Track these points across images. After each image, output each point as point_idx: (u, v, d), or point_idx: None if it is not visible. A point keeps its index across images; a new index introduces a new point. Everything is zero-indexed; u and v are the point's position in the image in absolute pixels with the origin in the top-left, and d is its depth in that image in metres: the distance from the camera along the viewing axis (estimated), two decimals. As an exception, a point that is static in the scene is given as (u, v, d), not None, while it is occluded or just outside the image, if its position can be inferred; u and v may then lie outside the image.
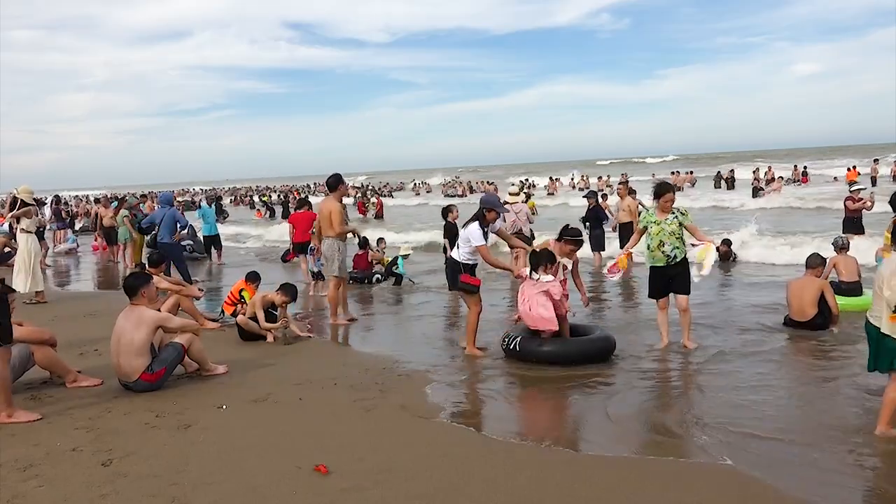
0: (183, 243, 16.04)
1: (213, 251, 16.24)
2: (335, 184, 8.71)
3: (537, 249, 6.84)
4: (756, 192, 29.61)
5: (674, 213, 6.86)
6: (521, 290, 6.67)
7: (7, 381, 5.10)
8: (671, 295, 7.00)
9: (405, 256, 12.22)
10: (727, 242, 13.10)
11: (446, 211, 11.95)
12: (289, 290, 7.97)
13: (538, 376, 6.18)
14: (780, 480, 3.92)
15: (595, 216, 13.75)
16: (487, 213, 6.81)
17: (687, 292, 6.90)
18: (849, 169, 35.38)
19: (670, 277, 6.90)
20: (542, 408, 5.69)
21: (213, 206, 19.26)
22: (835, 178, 37.27)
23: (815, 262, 7.76)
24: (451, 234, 11.75)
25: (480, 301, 7.00)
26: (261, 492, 3.84)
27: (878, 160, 36.35)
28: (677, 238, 6.78)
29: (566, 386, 5.92)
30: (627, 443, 4.64)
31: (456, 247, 7.06)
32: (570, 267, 6.86)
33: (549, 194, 39.78)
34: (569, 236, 6.82)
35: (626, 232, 12.52)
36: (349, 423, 4.97)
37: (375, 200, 32.63)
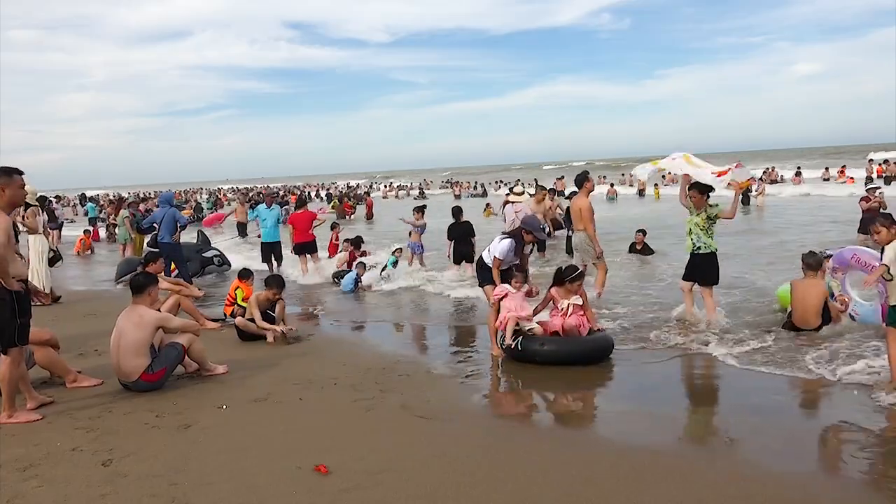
0: (206, 255, 14.00)
1: (274, 262, 13.47)
2: (582, 181, 9.12)
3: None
4: (747, 198, 25.84)
5: (705, 209, 7.56)
6: (503, 305, 6.70)
7: (23, 378, 5.15)
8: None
9: (397, 257, 12.25)
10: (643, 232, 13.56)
11: (458, 212, 11.94)
12: (274, 282, 8.05)
13: (538, 376, 6.18)
14: (780, 479, 3.92)
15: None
16: (525, 234, 7.09)
17: (708, 284, 7.62)
18: (843, 166, 35.59)
19: (695, 266, 7.64)
20: (542, 407, 5.69)
21: (272, 207, 14.34)
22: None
23: (812, 261, 7.57)
24: (458, 235, 11.76)
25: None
26: (261, 492, 3.84)
27: (872, 160, 36.48)
28: (702, 230, 7.53)
29: (566, 386, 5.92)
30: (628, 442, 4.64)
31: (487, 250, 7.25)
32: (580, 302, 6.87)
33: (558, 193, 39.81)
34: (570, 276, 6.80)
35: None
36: (349, 423, 4.97)
37: (367, 200, 32.61)
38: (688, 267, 7.79)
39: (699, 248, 7.58)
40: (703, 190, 7.60)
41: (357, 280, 11.25)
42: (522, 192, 13.63)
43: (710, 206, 7.59)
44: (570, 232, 13.60)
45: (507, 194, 13.43)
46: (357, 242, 12.50)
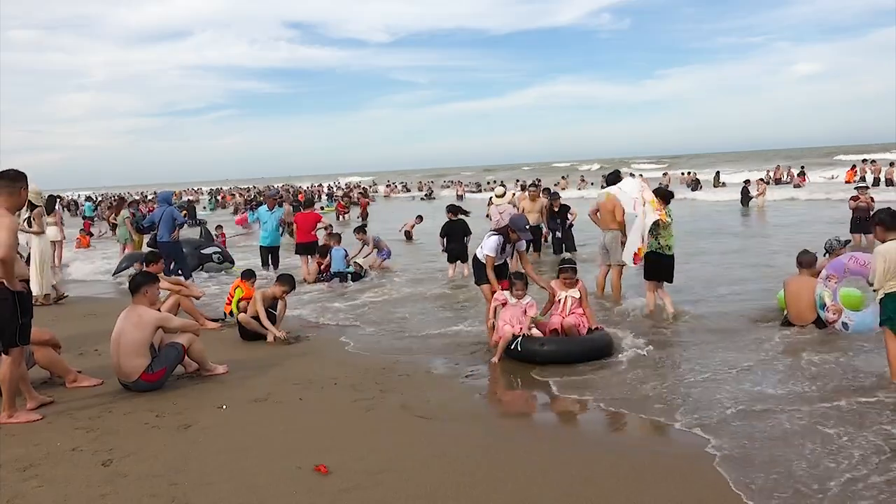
0: (206, 251, 13.68)
1: (270, 266, 12.76)
2: (615, 180, 9.26)
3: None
4: (747, 199, 25.13)
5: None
6: (500, 316, 6.72)
7: (23, 378, 5.16)
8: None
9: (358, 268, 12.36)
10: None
11: (456, 210, 11.96)
12: (286, 281, 8.13)
13: (539, 376, 6.18)
14: (780, 478, 3.92)
15: (562, 217, 13.71)
16: (511, 232, 7.25)
17: (668, 281, 8.36)
18: (853, 166, 35.58)
19: (662, 266, 8.28)
20: (542, 408, 5.69)
21: (275, 208, 13.36)
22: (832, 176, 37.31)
23: (807, 260, 7.60)
24: (451, 233, 11.78)
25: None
26: (261, 492, 3.84)
27: (866, 160, 36.53)
28: (665, 230, 8.20)
29: (566, 385, 5.91)
30: (628, 442, 4.64)
31: (479, 248, 7.39)
32: (578, 296, 6.93)
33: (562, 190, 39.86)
34: (560, 266, 7.16)
35: (536, 233, 12.81)
36: (349, 423, 4.97)
37: (360, 201, 32.34)
38: (652, 267, 8.22)
39: (660, 248, 8.12)
40: (666, 197, 8.40)
41: (345, 254, 11.84)
42: (504, 194, 13.70)
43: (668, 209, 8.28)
44: (558, 234, 13.65)
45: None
46: (323, 251, 12.53)
